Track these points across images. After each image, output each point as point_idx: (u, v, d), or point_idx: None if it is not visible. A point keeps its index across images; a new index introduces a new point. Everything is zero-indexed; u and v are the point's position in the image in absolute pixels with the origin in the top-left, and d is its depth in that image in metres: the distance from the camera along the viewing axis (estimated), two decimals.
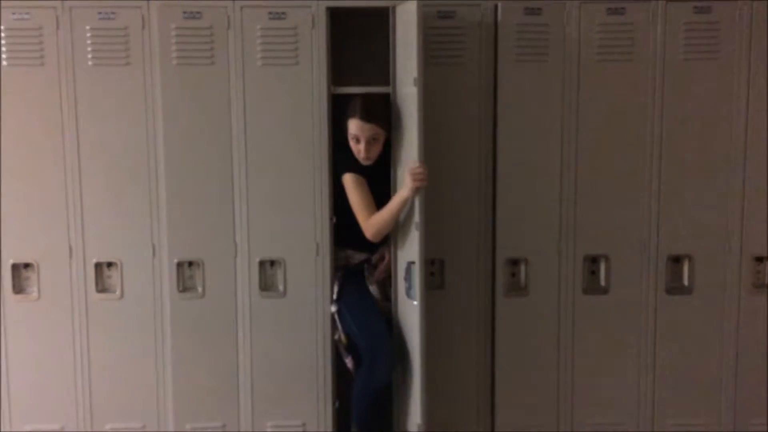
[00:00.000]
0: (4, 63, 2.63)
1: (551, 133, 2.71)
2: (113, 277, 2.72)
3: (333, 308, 2.67)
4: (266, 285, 2.73)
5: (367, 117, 2.54)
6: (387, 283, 2.71)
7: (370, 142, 2.56)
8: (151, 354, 2.71)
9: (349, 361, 2.66)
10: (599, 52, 2.68)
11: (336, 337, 2.70)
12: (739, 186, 2.75)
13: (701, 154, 2.74)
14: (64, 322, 2.72)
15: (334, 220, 2.70)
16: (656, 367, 2.80)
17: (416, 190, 2.42)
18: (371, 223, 2.56)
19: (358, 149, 2.57)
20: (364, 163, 2.60)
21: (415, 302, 2.44)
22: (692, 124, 2.72)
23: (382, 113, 2.58)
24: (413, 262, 2.46)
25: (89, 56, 2.63)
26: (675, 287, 2.78)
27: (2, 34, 2.62)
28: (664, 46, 2.69)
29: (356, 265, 2.73)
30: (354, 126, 2.56)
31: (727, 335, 2.80)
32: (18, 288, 2.71)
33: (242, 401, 2.75)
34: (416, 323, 2.43)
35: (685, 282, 2.78)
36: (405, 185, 2.44)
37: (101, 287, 2.72)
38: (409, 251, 2.49)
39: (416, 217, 2.42)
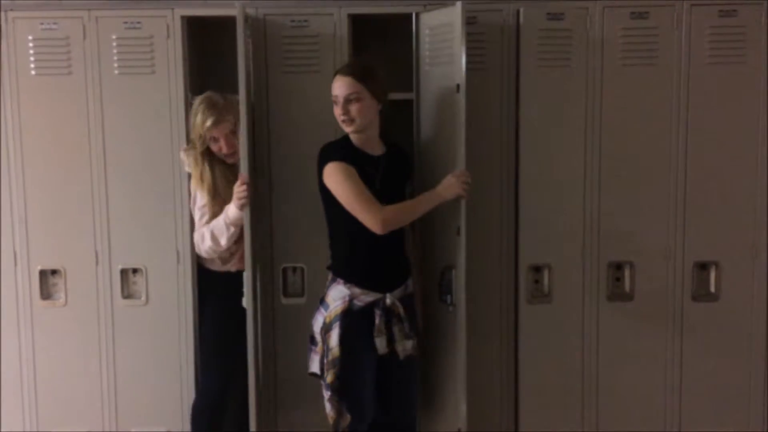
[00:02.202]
0: (32, 72, 2.68)
1: (574, 139, 2.69)
2: (138, 283, 2.75)
3: (332, 356, 2.33)
4: (289, 291, 2.74)
5: (343, 70, 2.33)
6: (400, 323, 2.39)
7: (348, 101, 2.28)
8: (176, 359, 2.73)
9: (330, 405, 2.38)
10: (623, 56, 2.66)
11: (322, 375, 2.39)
12: (764, 191, 2.71)
13: (727, 160, 2.71)
14: (90, 328, 2.75)
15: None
16: (683, 374, 2.76)
17: (457, 197, 2.35)
18: (389, 211, 2.26)
19: (338, 113, 2.31)
20: (347, 129, 2.31)
21: (451, 307, 2.46)
22: (717, 129, 2.69)
23: (367, 73, 2.31)
24: (451, 267, 2.47)
25: (115, 65, 2.66)
26: (701, 294, 2.74)
27: (30, 44, 2.66)
28: (689, 50, 2.66)
29: (360, 309, 2.36)
30: (333, 85, 2.32)
31: (755, 342, 2.76)
32: (45, 294, 2.75)
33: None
34: (459, 328, 2.43)
35: (712, 289, 2.75)
36: (448, 188, 2.34)
37: (127, 293, 2.75)
38: (440, 257, 2.50)
39: (459, 222, 2.41)
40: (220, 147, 2.54)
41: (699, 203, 2.71)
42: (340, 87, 2.30)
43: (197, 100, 2.56)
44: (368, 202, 2.26)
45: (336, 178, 2.28)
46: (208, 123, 2.50)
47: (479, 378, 2.75)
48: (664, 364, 2.76)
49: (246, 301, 2.46)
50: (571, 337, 2.75)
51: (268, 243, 2.71)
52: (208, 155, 2.56)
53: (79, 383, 2.77)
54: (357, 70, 2.31)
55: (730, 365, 2.77)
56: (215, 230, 2.53)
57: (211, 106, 2.52)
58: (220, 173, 2.57)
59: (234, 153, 2.54)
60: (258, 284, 2.61)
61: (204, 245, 2.57)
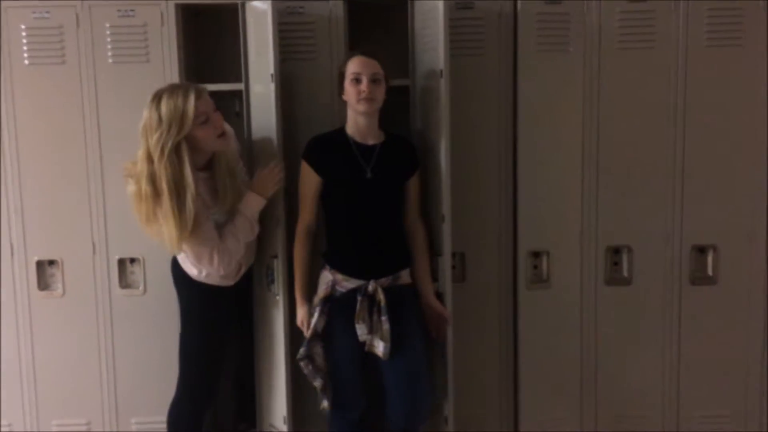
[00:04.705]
0: (25, 62, 2.66)
1: (572, 124, 2.68)
2: (136, 272, 2.74)
3: (304, 349, 2.37)
4: None
5: (366, 52, 2.33)
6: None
7: (372, 81, 2.29)
8: (175, 348, 2.69)
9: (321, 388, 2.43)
10: (620, 40, 2.65)
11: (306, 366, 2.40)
12: (762, 175, 2.71)
13: (725, 143, 2.70)
14: (88, 318, 2.74)
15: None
16: (681, 357, 2.78)
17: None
18: (297, 235, 2.41)
19: (359, 90, 2.28)
20: (363, 107, 2.29)
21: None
22: (715, 111, 2.69)
23: (382, 62, 2.34)
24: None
25: (109, 54, 2.64)
26: (699, 277, 2.75)
27: (23, 33, 2.64)
28: (687, 32, 2.66)
29: (343, 295, 2.37)
30: (354, 64, 2.30)
31: (753, 325, 2.77)
32: (43, 285, 2.75)
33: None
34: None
35: (710, 272, 2.75)
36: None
37: (125, 283, 2.74)
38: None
39: (443, 209, 2.41)
40: (214, 125, 2.26)
41: (697, 187, 2.71)
42: (365, 66, 2.30)
43: (154, 96, 2.22)
44: (303, 211, 2.41)
45: (300, 175, 2.41)
46: (192, 98, 2.18)
47: (479, 363, 2.76)
48: (662, 348, 2.77)
49: (277, 288, 2.48)
50: (570, 321, 2.75)
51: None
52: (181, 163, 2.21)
53: (79, 373, 2.77)
54: (377, 57, 2.33)
55: (728, 348, 2.78)
56: (241, 235, 2.36)
57: (179, 85, 2.27)
58: (205, 183, 2.33)
59: (224, 133, 2.32)
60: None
61: (229, 259, 2.36)
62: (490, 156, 2.71)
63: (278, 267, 2.48)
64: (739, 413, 2.80)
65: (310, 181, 2.39)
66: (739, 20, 2.65)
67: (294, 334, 2.54)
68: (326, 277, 2.41)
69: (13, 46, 2.65)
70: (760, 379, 2.79)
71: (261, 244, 2.56)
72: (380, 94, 2.32)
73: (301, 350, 2.39)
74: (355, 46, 2.59)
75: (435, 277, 2.49)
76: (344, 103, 2.40)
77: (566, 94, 2.67)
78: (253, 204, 2.38)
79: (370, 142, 2.39)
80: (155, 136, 2.18)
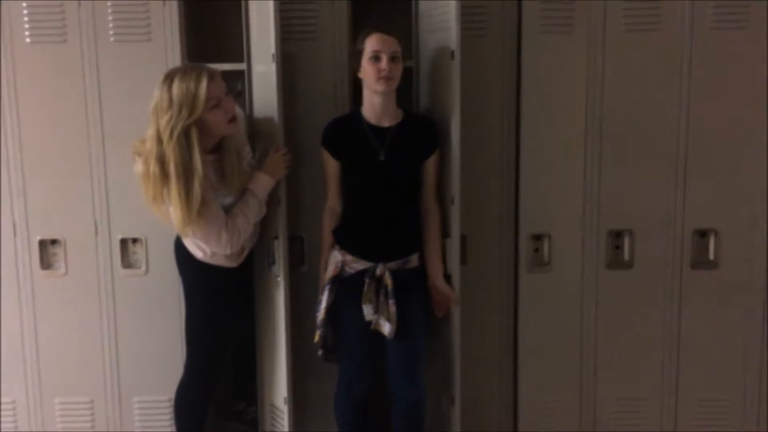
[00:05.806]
0: (27, 40, 2.64)
1: (576, 106, 2.67)
2: (138, 252, 2.75)
3: (319, 318, 2.40)
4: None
5: (383, 30, 2.29)
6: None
7: (391, 59, 2.25)
8: (177, 328, 2.74)
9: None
10: (626, 22, 2.63)
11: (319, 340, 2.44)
12: (764, 159, 2.69)
13: (729, 126, 2.69)
14: (91, 298, 2.76)
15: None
16: (680, 341, 2.78)
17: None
18: (326, 212, 2.45)
19: (378, 68, 2.24)
20: (383, 86, 2.26)
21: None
22: (719, 96, 2.67)
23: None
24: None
25: (111, 32, 2.63)
26: (701, 262, 2.75)
27: (25, 11, 2.62)
28: (693, 15, 2.63)
29: (351, 276, 2.41)
30: (373, 42, 2.25)
31: (753, 309, 2.77)
32: (46, 264, 2.75)
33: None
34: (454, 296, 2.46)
35: (711, 256, 2.75)
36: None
37: (127, 263, 2.75)
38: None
39: (453, 191, 2.41)
40: (225, 109, 2.23)
41: (699, 171, 2.70)
42: (385, 43, 2.26)
43: (166, 76, 2.20)
44: (328, 193, 2.45)
45: (323, 160, 2.43)
46: (204, 81, 2.15)
47: (479, 346, 2.77)
48: (662, 332, 2.78)
49: (278, 269, 2.48)
50: (570, 305, 2.76)
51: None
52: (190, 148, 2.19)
53: (81, 352, 2.79)
54: (394, 35, 2.30)
55: (728, 333, 2.78)
56: (251, 214, 2.35)
57: (191, 67, 2.23)
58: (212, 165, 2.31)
59: (234, 117, 2.29)
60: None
61: (238, 238, 2.34)
62: (492, 138, 2.70)
63: (279, 248, 2.48)
64: (738, 397, 2.81)
65: (329, 165, 2.42)
66: (745, 3, 2.62)
67: (295, 315, 2.55)
68: (336, 256, 2.42)
69: (14, 24, 2.63)
70: (760, 364, 2.79)
71: (262, 226, 2.56)
72: (398, 72, 2.30)
73: (318, 336, 2.42)
74: (357, 27, 2.57)
75: (443, 258, 2.49)
76: (355, 83, 2.38)
77: (570, 77, 2.65)
78: (265, 185, 2.40)
79: (386, 123, 2.38)
80: (165, 118, 2.16)
